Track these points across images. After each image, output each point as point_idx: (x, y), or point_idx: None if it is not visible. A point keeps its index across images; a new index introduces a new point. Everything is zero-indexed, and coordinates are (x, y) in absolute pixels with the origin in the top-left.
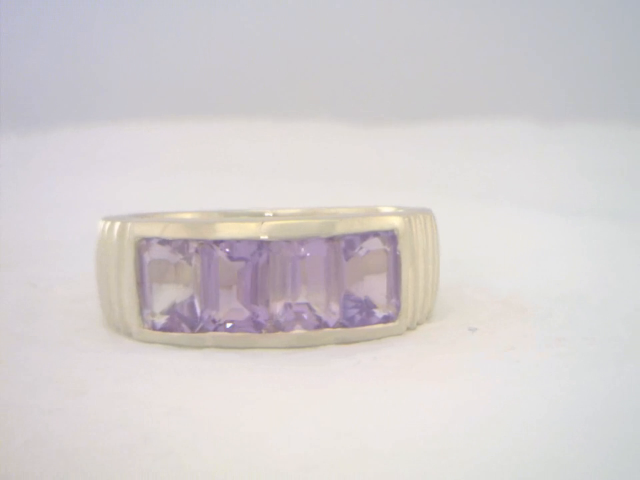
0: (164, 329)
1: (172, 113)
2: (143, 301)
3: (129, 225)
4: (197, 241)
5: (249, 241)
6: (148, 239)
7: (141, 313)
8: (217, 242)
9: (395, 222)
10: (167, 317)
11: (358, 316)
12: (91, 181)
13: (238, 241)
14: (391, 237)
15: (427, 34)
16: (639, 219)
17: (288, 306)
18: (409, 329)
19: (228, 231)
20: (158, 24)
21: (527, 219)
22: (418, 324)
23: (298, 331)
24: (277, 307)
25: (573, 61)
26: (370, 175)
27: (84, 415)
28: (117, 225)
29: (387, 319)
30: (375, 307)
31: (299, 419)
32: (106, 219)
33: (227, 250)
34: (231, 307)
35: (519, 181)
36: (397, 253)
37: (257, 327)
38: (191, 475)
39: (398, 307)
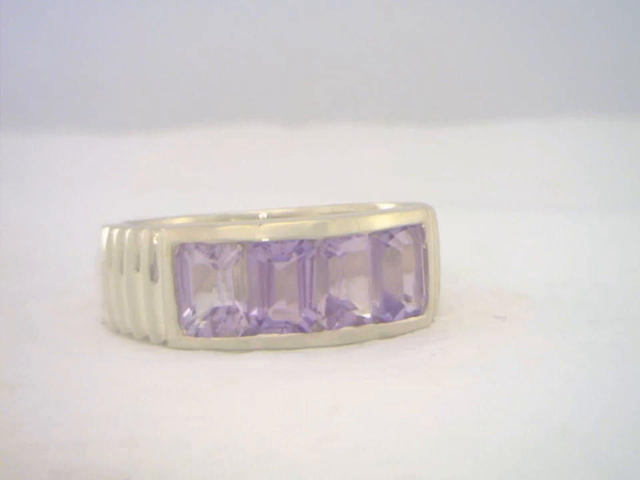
0: (205, 334)
1: (172, 116)
2: (181, 308)
3: (161, 231)
4: (238, 243)
5: (292, 241)
6: (184, 245)
7: (178, 320)
8: (258, 244)
9: (421, 216)
10: (206, 322)
11: (394, 310)
12: (80, 188)
13: (280, 241)
14: (419, 231)
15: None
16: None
17: (333, 304)
18: (432, 321)
19: (270, 232)
20: (159, 25)
21: (500, 214)
22: (435, 316)
23: (344, 328)
24: (322, 306)
25: (571, 55)
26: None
27: (244, 421)
28: (144, 232)
29: (416, 313)
30: (407, 300)
31: (447, 410)
32: (120, 226)
33: (270, 251)
34: (275, 308)
35: (509, 179)
36: (424, 246)
37: (304, 326)
38: (390, 467)
39: (426, 300)
